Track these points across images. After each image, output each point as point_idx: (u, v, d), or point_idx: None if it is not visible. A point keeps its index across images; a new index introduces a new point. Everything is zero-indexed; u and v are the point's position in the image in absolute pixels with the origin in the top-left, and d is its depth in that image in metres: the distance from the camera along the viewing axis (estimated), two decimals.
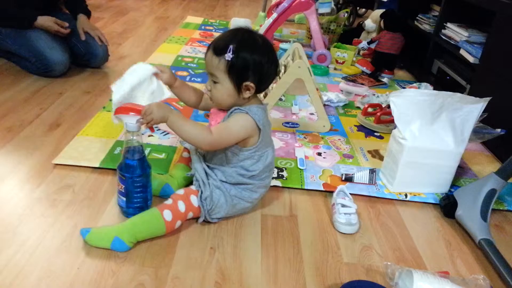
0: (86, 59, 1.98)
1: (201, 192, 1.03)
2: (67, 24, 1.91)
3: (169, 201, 1.00)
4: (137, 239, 0.96)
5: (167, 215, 0.97)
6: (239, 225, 1.08)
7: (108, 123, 1.48)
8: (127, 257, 0.93)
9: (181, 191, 1.03)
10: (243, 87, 0.99)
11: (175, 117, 0.96)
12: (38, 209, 1.05)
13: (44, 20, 1.83)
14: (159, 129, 1.47)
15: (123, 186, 1.01)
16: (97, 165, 1.23)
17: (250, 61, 0.96)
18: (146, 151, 1.31)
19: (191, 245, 0.99)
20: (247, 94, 1.00)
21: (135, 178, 1.00)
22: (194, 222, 1.06)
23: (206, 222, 1.06)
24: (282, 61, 1.79)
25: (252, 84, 0.98)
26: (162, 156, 1.32)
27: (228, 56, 0.95)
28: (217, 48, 0.97)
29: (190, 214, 1.03)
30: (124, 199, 1.03)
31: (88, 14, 2.05)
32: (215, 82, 1.00)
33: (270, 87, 1.74)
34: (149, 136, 1.43)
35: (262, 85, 1.03)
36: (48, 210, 1.06)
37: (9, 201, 1.08)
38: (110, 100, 1.65)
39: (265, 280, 0.92)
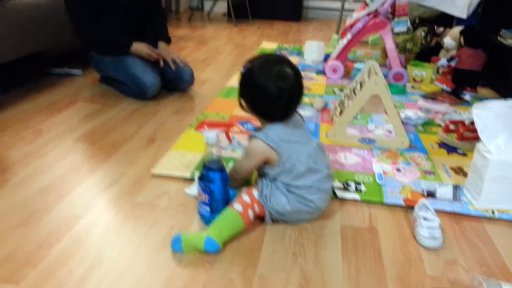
0: (175, 83, 2.18)
1: (262, 188, 1.13)
2: (157, 50, 2.12)
3: (235, 198, 1.13)
4: (223, 238, 1.04)
5: (237, 206, 1.09)
6: (319, 235, 1.12)
7: (195, 139, 1.62)
8: (217, 257, 1.02)
9: (243, 189, 1.17)
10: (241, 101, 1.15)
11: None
12: (140, 212, 1.19)
13: (139, 46, 2.06)
14: (234, 138, 1.61)
15: (206, 197, 1.10)
16: (188, 176, 1.36)
17: (242, 79, 1.14)
18: (230, 163, 1.41)
19: (274, 251, 1.06)
20: (246, 110, 1.15)
21: (216, 189, 1.09)
22: (274, 230, 1.13)
23: (283, 231, 1.12)
24: (357, 78, 1.83)
25: (242, 101, 1.14)
26: None
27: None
28: None
29: (256, 207, 1.11)
30: (208, 208, 1.11)
31: (167, 41, 2.24)
32: None
33: (345, 104, 1.79)
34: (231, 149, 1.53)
35: (258, 106, 1.13)
36: (148, 213, 1.19)
37: (115, 204, 1.23)
38: (197, 119, 1.83)
39: (346, 285, 0.95)
